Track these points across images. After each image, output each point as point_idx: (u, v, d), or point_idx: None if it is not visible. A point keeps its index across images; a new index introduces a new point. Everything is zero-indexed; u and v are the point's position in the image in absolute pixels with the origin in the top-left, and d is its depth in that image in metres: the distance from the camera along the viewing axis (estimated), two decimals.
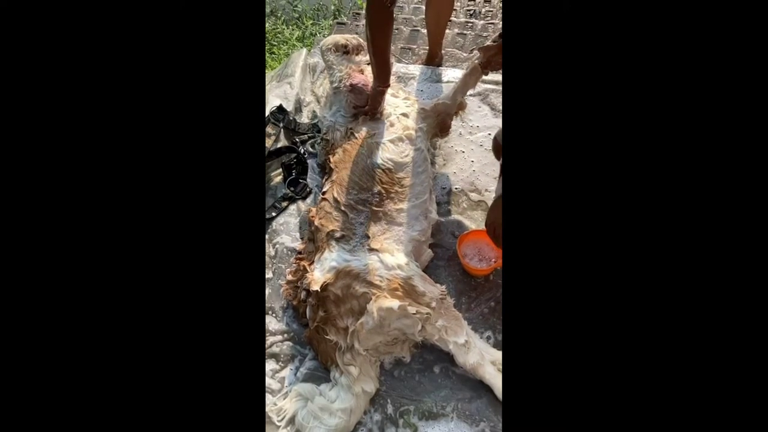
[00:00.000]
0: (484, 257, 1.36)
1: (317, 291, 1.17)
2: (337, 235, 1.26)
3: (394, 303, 1.10)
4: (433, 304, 1.15)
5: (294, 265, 1.34)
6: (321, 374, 1.22)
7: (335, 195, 1.33)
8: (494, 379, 1.11)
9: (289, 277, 1.33)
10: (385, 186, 1.34)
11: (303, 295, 1.25)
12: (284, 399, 1.15)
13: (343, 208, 1.30)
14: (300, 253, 1.36)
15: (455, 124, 1.65)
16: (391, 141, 1.43)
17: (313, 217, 1.34)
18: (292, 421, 1.11)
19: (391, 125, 1.46)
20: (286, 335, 1.29)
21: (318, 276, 1.19)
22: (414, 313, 1.11)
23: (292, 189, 1.55)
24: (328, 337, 1.16)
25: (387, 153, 1.40)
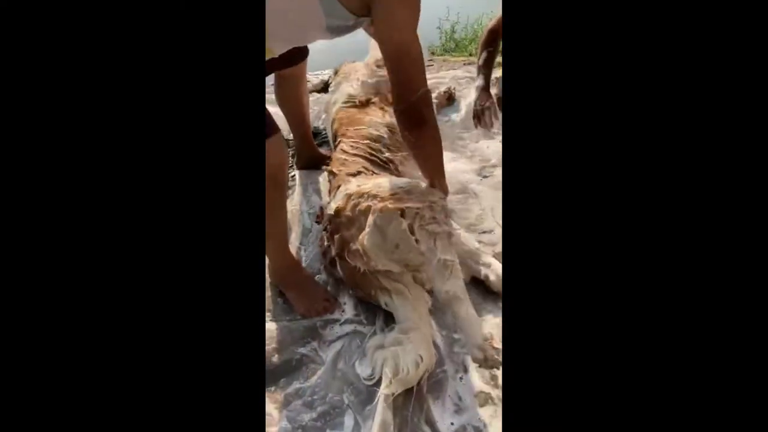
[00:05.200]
0: None
1: (333, 215, 1.13)
2: (353, 171, 1.27)
3: (385, 203, 1.03)
4: (434, 206, 1.03)
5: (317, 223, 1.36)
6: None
7: (346, 148, 1.40)
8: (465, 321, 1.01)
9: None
10: (393, 147, 1.41)
11: (326, 236, 1.19)
12: (365, 361, 1.07)
13: (359, 154, 1.37)
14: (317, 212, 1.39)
15: None
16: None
17: (327, 170, 1.40)
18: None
19: None
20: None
21: (333, 205, 1.16)
22: (404, 208, 1.00)
23: None
24: (349, 262, 1.09)
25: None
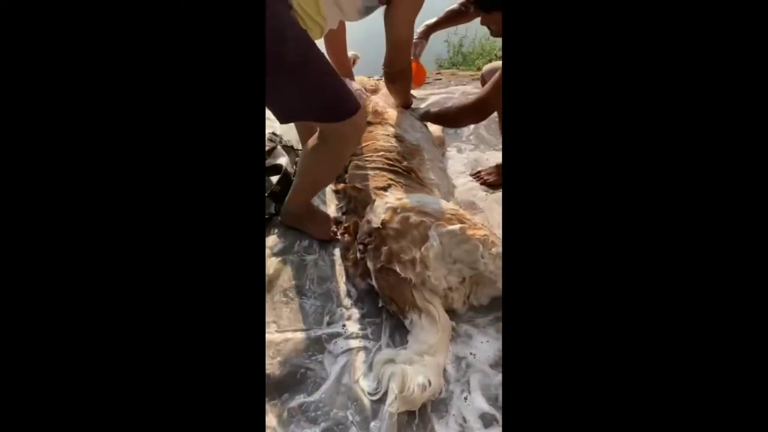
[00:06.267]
0: None
1: (378, 228, 1.16)
2: (383, 185, 1.32)
3: (455, 227, 1.14)
4: (486, 230, 1.18)
5: (345, 237, 1.36)
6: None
7: (361, 164, 1.41)
8: None
9: (347, 246, 1.33)
10: (407, 154, 1.45)
11: (360, 248, 1.21)
12: (371, 375, 1.08)
13: (379, 167, 1.39)
14: (346, 226, 1.38)
15: None
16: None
17: (345, 187, 1.40)
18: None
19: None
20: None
21: (375, 218, 1.19)
22: (472, 236, 1.14)
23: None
24: (397, 272, 1.12)
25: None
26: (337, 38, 1.59)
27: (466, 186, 1.69)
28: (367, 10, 1.23)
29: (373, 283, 1.20)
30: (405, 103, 1.68)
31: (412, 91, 1.81)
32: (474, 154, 1.85)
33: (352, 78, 1.78)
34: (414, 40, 1.57)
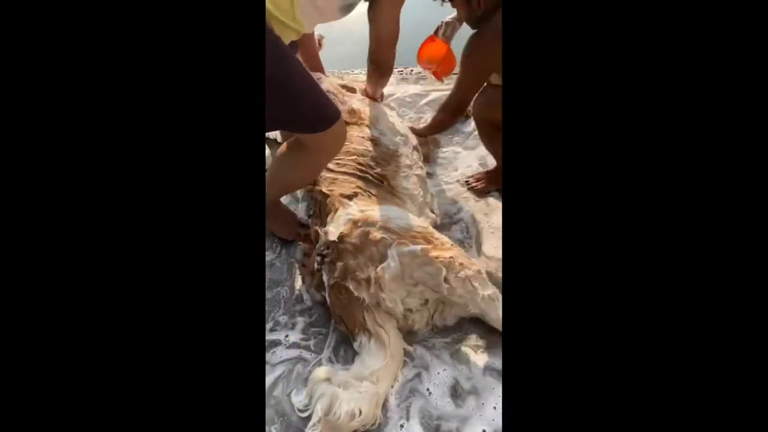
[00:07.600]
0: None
1: (335, 241, 1.07)
2: (349, 193, 1.21)
3: (416, 247, 1.04)
4: (454, 251, 1.07)
5: (305, 244, 1.28)
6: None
7: (332, 165, 1.31)
8: None
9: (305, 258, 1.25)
10: (381, 160, 1.35)
11: (318, 260, 1.12)
12: (303, 390, 1.01)
13: (349, 172, 1.30)
14: (307, 228, 1.31)
15: None
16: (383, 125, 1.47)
17: (312, 190, 1.30)
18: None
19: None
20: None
21: (333, 230, 1.10)
22: (436, 257, 1.03)
23: None
24: (350, 291, 1.05)
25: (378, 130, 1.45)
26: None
27: (452, 192, 1.58)
28: (348, 8, 1.14)
29: (327, 297, 1.12)
30: (374, 96, 1.58)
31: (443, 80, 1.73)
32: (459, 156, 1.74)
33: (323, 71, 1.70)
34: (447, 20, 1.48)
